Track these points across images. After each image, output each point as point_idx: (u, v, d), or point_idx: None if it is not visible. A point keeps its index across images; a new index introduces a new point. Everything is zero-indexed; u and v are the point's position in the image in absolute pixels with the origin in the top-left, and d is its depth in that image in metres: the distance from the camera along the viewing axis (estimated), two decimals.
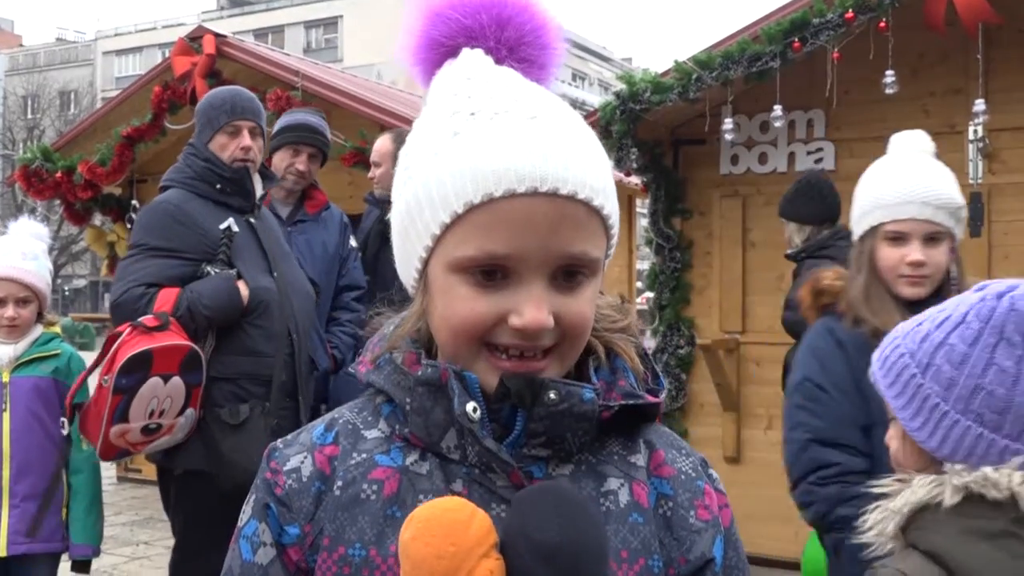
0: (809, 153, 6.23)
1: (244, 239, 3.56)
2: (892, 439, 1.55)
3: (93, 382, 3.37)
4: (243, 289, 3.45)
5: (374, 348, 1.09)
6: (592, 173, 0.97)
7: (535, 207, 0.94)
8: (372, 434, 1.05)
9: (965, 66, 5.69)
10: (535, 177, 0.93)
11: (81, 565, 3.56)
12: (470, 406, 0.97)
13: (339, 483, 1.02)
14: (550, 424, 0.99)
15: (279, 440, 1.10)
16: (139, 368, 3.14)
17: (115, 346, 3.18)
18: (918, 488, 1.38)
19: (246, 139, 3.59)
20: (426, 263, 1.01)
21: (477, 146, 0.96)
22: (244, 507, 1.08)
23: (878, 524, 1.43)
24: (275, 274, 3.59)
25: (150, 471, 8.19)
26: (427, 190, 0.97)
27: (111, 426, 3.18)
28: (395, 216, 1.04)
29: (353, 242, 4.58)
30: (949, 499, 1.34)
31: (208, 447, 3.38)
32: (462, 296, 0.97)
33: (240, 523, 1.07)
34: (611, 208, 1.00)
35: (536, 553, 0.87)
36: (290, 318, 3.58)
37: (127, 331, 3.20)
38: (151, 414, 3.22)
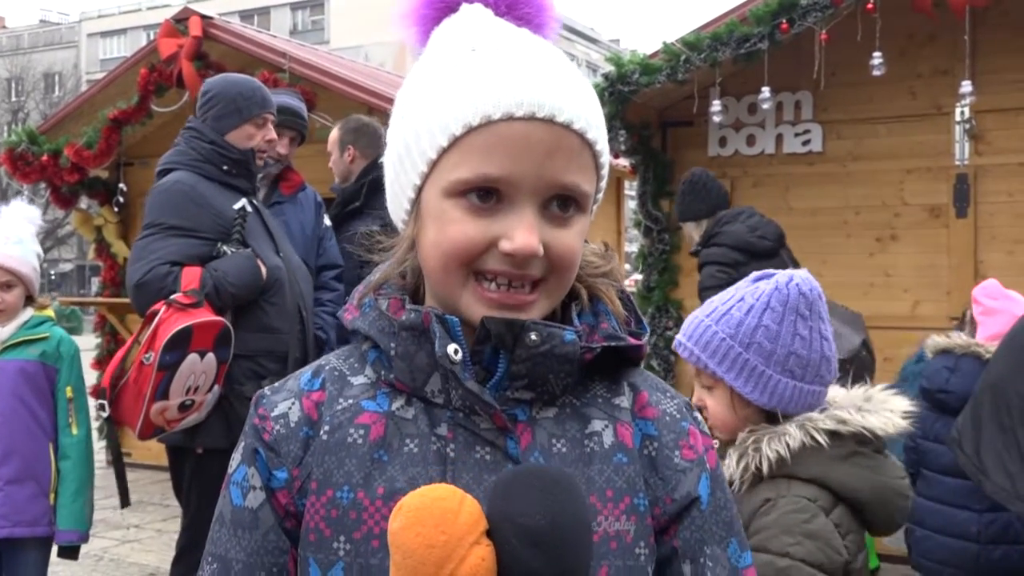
0: (797, 135, 6.24)
1: (252, 220, 3.64)
2: (713, 405, 1.92)
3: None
4: (262, 267, 3.53)
5: (360, 294, 1.11)
6: (588, 108, 1.00)
7: (531, 131, 0.96)
8: (358, 380, 1.07)
9: (952, 47, 5.70)
10: (533, 103, 0.95)
11: (69, 551, 3.53)
12: (451, 348, 0.99)
13: (326, 427, 1.03)
14: (532, 366, 1.00)
15: (266, 388, 1.11)
16: (181, 345, 3.20)
17: (154, 324, 3.21)
18: (794, 435, 1.82)
19: (272, 132, 3.76)
20: (419, 192, 1.02)
21: (477, 75, 0.98)
22: (233, 455, 1.09)
23: (747, 466, 1.83)
24: (281, 254, 3.70)
25: (140, 455, 8.23)
26: (426, 119, 0.99)
27: (153, 403, 3.21)
28: (389, 156, 1.06)
29: (327, 221, 4.61)
30: (822, 439, 1.81)
31: (231, 425, 3.42)
32: (455, 220, 0.98)
33: (230, 470, 1.08)
34: (603, 146, 1.02)
35: (522, 537, 0.88)
36: (299, 296, 3.70)
37: (163, 309, 3.24)
38: (188, 390, 3.27)
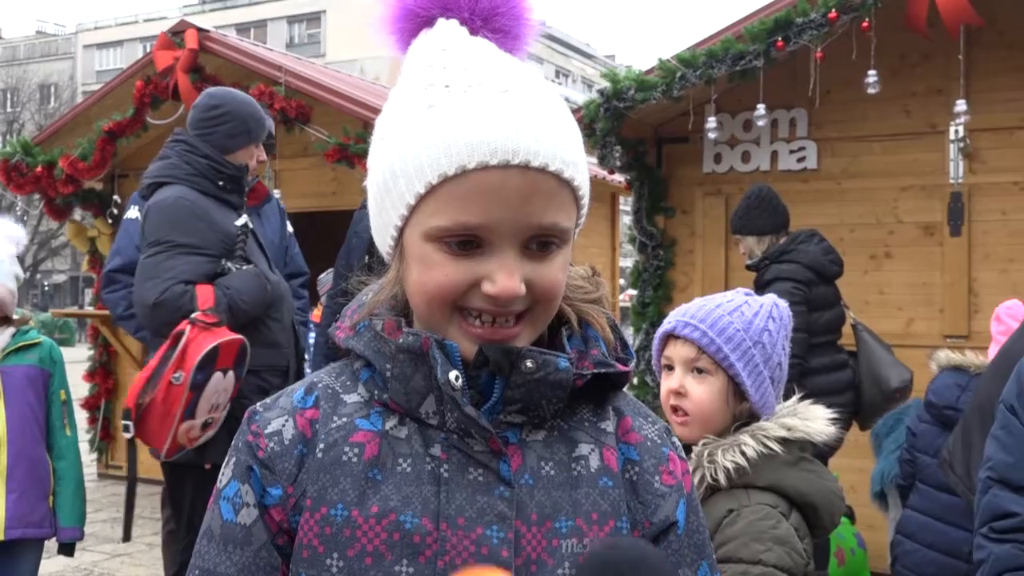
0: (791, 152, 6.25)
1: (249, 236, 3.67)
2: (703, 393, 1.91)
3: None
4: (268, 283, 3.57)
5: (352, 314, 1.12)
6: (563, 146, 1.00)
7: (507, 179, 0.96)
8: (351, 399, 1.08)
9: (946, 67, 5.73)
10: (507, 150, 0.96)
11: (66, 548, 3.61)
12: (452, 374, 1.00)
13: (321, 445, 1.04)
14: (526, 392, 1.02)
15: (258, 404, 1.12)
16: (209, 364, 3.21)
17: (181, 344, 3.19)
18: (749, 444, 1.84)
19: (263, 153, 3.89)
20: (401, 231, 1.03)
21: (451, 119, 0.98)
22: (223, 470, 1.09)
23: (703, 478, 1.83)
24: (275, 269, 3.75)
25: None
26: (402, 162, 1.00)
27: (181, 423, 3.20)
28: (371, 186, 1.07)
29: (290, 228, 4.62)
30: (775, 446, 1.85)
31: None
32: (437, 263, 0.99)
33: (219, 485, 1.08)
34: (581, 180, 1.03)
35: None
36: (291, 309, 3.76)
37: (188, 328, 3.23)
38: (211, 408, 3.29)
